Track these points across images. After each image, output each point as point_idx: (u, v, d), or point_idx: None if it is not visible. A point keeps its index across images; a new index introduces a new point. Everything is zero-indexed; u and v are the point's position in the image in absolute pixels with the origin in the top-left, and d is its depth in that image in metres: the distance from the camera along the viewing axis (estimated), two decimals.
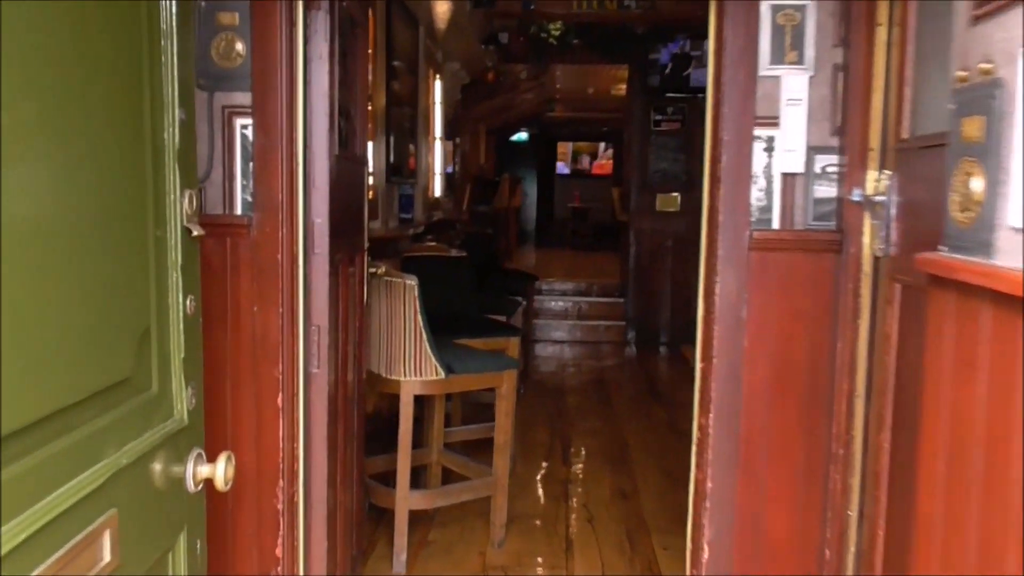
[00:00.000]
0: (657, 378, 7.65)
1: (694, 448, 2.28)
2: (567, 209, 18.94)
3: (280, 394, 2.04)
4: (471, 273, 5.02)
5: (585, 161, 21.16)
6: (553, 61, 9.92)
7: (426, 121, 6.65)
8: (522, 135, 19.97)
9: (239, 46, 2.02)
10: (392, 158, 5.29)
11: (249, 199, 2.03)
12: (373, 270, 3.09)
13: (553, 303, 9.44)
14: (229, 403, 2.03)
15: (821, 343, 2.06)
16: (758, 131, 2.16)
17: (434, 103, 7.20)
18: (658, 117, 8.90)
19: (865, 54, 1.90)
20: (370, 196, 4.75)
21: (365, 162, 2.98)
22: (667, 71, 8.54)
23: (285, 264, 2.02)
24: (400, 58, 5.72)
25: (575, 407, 6.43)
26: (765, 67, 2.12)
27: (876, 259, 1.89)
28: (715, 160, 2.13)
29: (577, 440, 5.52)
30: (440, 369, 3.48)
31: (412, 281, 3.42)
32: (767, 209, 2.17)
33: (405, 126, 5.89)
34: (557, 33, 8.44)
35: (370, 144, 4.86)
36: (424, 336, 3.45)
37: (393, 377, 3.49)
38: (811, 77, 2.11)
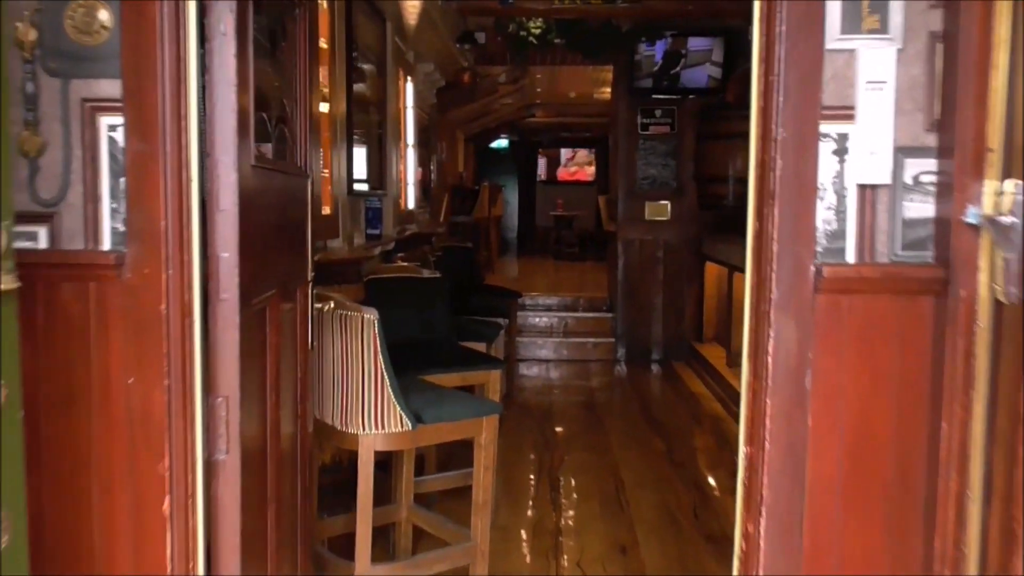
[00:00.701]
0: (650, 400, 7.10)
1: (736, 565, 1.69)
2: (550, 217, 18.38)
3: (167, 497, 1.47)
4: (446, 296, 4.45)
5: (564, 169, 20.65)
6: (533, 62, 9.39)
7: (396, 127, 6.08)
8: (502, 142, 19.42)
9: (103, 15, 1.45)
10: (356, 168, 4.71)
11: (121, 228, 1.46)
12: (320, 305, 2.52)
13: (537, 319, 8.87)
14: (95, 514, 1.46)
15: (916, 423, 1.48)
16: (826, 127, 1.57)
17: (405, 107, 6.63)
18: (645, 120, 8.38)
19: (980, 16, 1.34)
20: (327, 211, 4.16)
21: (307, 174, 2.40)
22: (656, 69, 8.01)
23: (173, 316, 1.45)
24: (365, 57, 5.16)
25: (563, 437, 5.86)
26: (835, 38, 1.53)
27: (998, 306, 1.33)
28: (764, 168, 1.56)
29: (567, 477, 4.95)
30: (407, 419, 2.90)
31: (371, 315, 2.84)
32: (838, 235, 1.59)
33: (372, 132, 5.32)
34: (537, 31, 7.90)
35: (329, 153, 4.27)
36: (387, 380, 2.87)
37: (350, 431, 2.91)
38: (899, 51, 1.53)
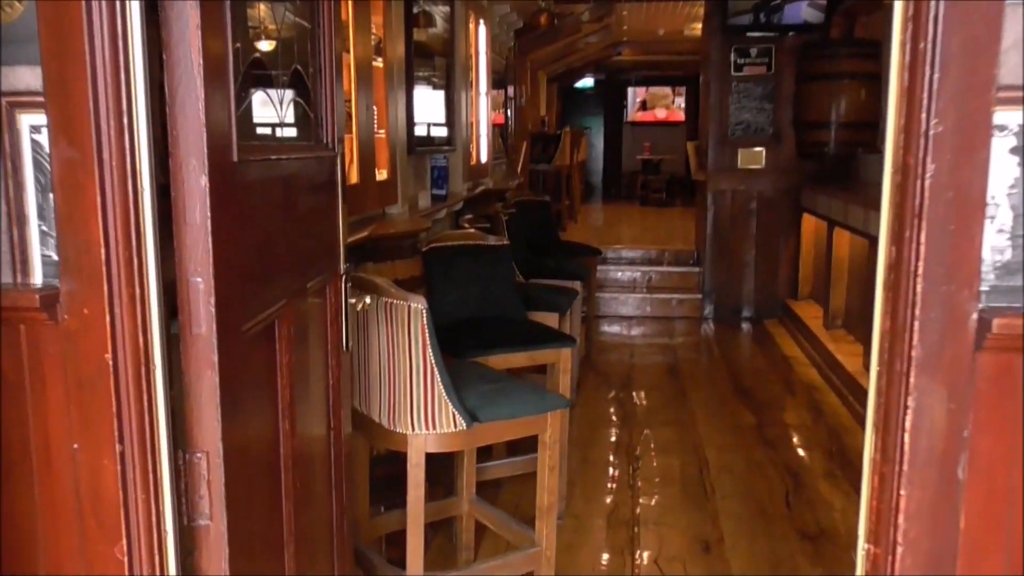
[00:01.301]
0: (740, 364, 6.64)
1: None
2: (636, 161, 17.70)
3: None
4: (513, 265, 4.09)
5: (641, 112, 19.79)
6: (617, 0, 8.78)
7: (467, 75, 5.68)
8: (588, 82, 18.72)
9: None
10: (418, 125, 4.36)
11: (53, 257, 1.15)
12: (354, 301, 2.21)
13: (620, 273, 8.44)
14: None
15: None
16: (1002, 115, 1.09)
17: (478, 52, 6.21)
18: (740, 60, 7.72)
19: None
20: (383, 176, 3.84)
21: (334, 150, 2.07)
22: (754, 2, 7.31)
23: (124, 366, 1.15)
24: (427, 0, 4.76)
25: (644, 408, 5.49)
26: None
27: None
28: (906, 175, 1.10)
29: (646, 457, 4.60)
30: (461, 418, 2.59)
31: (418, 304, 2.52)
32: (1013, 270, 1.12)
33: (438, 83, 4.94)
34: None
35: (386, 110, 3.93)
36: (438, 376, 2.56)
37: (398, 430, 2.62)
38: None
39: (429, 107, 4.74)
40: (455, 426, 2.59)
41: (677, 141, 18.80)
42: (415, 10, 4.51)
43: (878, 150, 7.10)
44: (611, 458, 4.56)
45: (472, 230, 4.16)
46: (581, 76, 17.43)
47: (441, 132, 4.94)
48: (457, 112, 5.20)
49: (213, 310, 1.27)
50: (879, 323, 1.16)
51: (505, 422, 2.71)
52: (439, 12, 5.10)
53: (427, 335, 2.53)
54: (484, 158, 6.25)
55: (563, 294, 4.67)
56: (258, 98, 1.62)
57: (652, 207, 15.23)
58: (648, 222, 12.56)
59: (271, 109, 1.68)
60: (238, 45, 1.47)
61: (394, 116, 3.96)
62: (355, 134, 3.42)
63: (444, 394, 2.56)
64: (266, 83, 1.74)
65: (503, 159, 8.06)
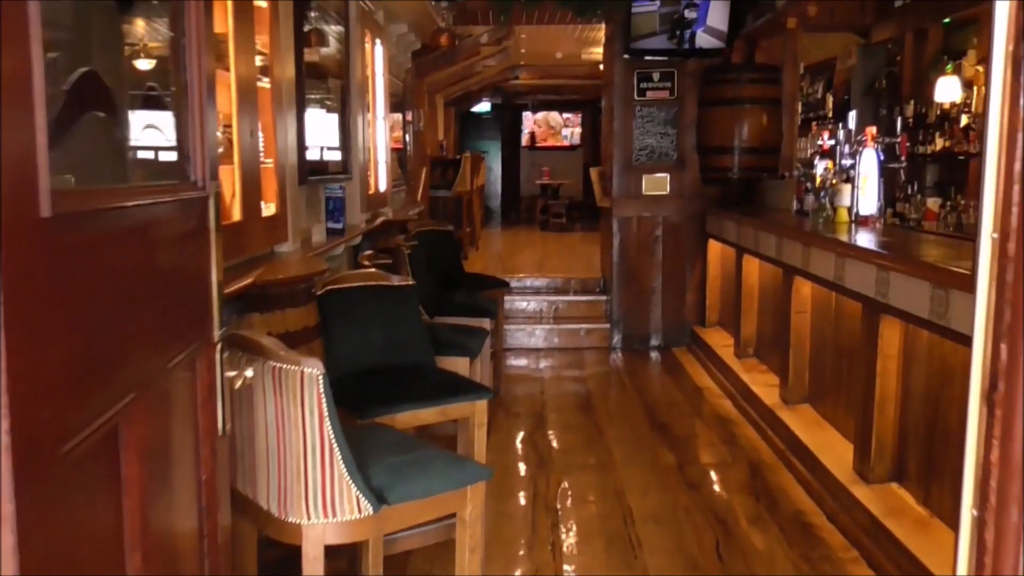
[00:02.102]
0: (653, 397, 6.42)
1: None
2: (535, 185, 17.57)
3: None
4: (418, 305, 3.72)
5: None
6: (518, 21, 8.55)
7: (363, 98, 5.28)
8: (484, 106, 18.54)
9: None
10: (311, 151, 3.94)
11: None
12: (233, 374, 1.78)
13: (525, 303, 8.16)
14: None
15: None
16: None
17: (375, 74, 5.82)
18: (643, 85, 7.60)
19: None
20: (269, 211, 3.40)
21: (206, 189, 1.66)
22: (657, 27, 7.18)
23: None
24: (319, 19, 4.36)
25: (560, 451, 5.18)
26: None
27: None
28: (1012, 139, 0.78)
29: (565, 507, 4.28)
30: (366, 501, 2.19)
31: (314, 369, 2.12)
32: None
33: (332, 107, 4.53)
34: None
35: (273, 137, 3.50)
36: (337, 453, 2.16)
37: (291, 520, 2.20)
38: None
39: (323, 132, 4.32)
40: (359, 511, 2.19)
41: (575, 165, 18.83)
42: (306, 28, 4.10)
43: (782, 176, 7.08)
44: (529, 511, 4.21)
45: (373, 269, 3.76)
46: (478, 100, 17.22)
47: (336, 159, 4.53)
48: (353, 137, 4.80)
49: (8, 438, 0.86)
50: (972, 453, 0.85)
51: (419, 502, 2.33)
52: (332, 31, 4.70)
53: (324, 406, 2.13)
54: (383, 186, 5.84)
55: (472, 335, 4.33)
56: (99, 126, 1.22)
57: (553, 232, 15.09)
58: (550, 248, 12.37)
59: (122, 138, 1.27)
60: (56, 55, 1.06)
61: (283, 143, 3.54)
62: (237, 164, 2.98)
63: (346, 475, 2.16)
64: (108, 106, 1.33)
65: (403, 186, 7.67)
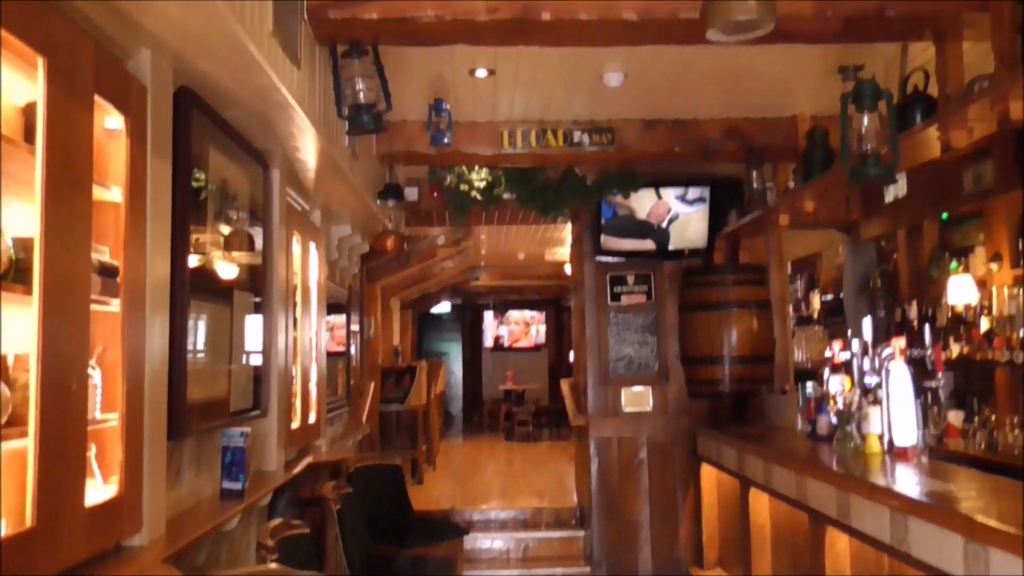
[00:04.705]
0: None
1: None
2: (498, 390, 16.53)
3: None
4: None
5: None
6: (477, 221, 7.87)
7: (287, 311, 4.33)
8: (444, 306, 17.85)
9: None
10: (195, 387, 2.90)
11: None
12: None
13: (489, 542, 6.88)
14: None
15: None
16: None
17: (307, 282, 4.91)
18: (617, 289, 6.80)
19: None
20: (112, 491, 2.26)
21: None
22: (631, 226, 6.47)
23: None
24: (231, 211, 3.47)
25: None
26: None
27: None
28: None
29: None
30: None
31: None
32: None
33: (236, 327, 3.54)
34: (482, 185, 6.38)
35: (121, 376, 2.44)
36: None
37: None
38: None
39: (215, 364, 3.29)
40: None
41: (540, 367, 17.96)
42: (201, 226, 3.18)
43: (783, 389, 6.15)
44: None
45: (274, 567, 2.60)
46: (437, 301, 16.53)
47: (240, 395, 3.48)
48: (268, 365, 3.78)
49: None
50: None
51: None
52: (240, 229, 3.82)
53: None
54: (313, 417, 4.77)
55: None
56: None
57: (518, 441, 13.90)
58: (516, 464, 11.14)
59: None
60: None
61: (145, 380, 2.49)
62: (34, 431, 1.92)
63: None
64: None
65: (344, 407, 6.58)
